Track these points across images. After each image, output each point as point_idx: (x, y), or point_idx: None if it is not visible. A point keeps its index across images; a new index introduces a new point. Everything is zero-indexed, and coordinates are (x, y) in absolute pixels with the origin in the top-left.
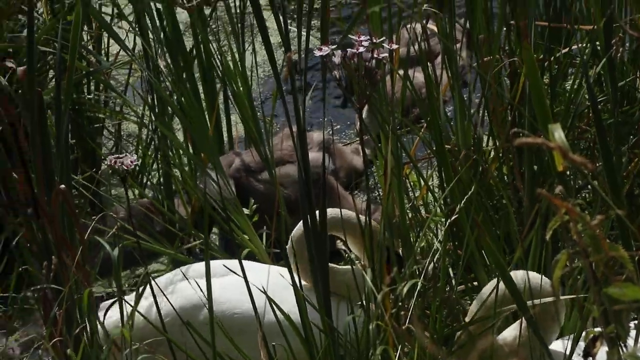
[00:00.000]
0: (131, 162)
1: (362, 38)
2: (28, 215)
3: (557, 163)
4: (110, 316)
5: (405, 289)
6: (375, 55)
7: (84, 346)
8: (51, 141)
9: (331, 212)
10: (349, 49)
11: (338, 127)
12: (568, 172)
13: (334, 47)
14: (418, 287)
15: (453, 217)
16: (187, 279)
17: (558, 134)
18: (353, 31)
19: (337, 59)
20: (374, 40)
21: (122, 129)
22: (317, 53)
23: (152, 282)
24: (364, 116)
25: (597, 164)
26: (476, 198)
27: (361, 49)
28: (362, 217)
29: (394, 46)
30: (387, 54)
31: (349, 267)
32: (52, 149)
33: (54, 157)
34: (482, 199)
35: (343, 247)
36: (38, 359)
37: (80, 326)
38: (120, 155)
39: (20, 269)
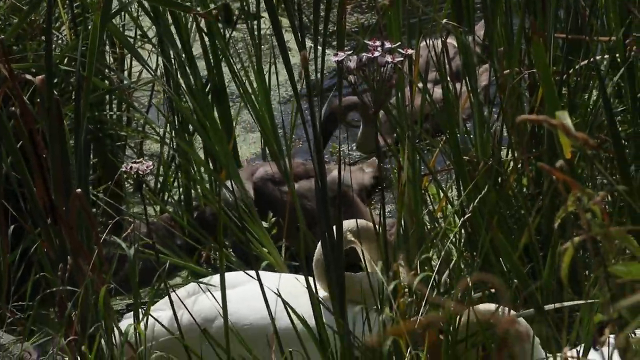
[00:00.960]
0: (147, 167)
1: (378, 43)
2: (46, 225)
3: (565, 149)
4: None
5: (416, 280)
6: (390, 60)
7: (98, 344)
8: (69, 150)
9: (347, 223)
10: (364, 54)
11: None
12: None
13: (349, 52)
14: (431, 281)
15: (467, 216)
16: (202, 291)
17: (564, 117)
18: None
19: (352, 64)
20: (390, 45)
21: (145, 149)
22: (333, 59)
23: (171, 294)
24: (358, 136)
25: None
26: (494, 206)
27: (376, 54)
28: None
29: (410, 51)
30: (402, 59)
31: (364, 273)
32: (70, 157)
33: (73, 167)
34: (501, 209)
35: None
36: None
37: (95, 324)
38: (136, 161)
39: (37, 276)
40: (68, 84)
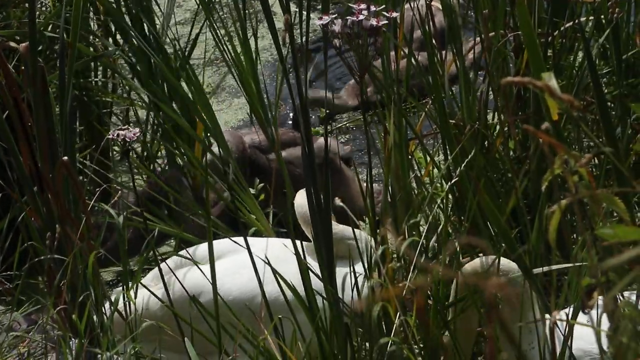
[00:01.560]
0: (134, 134)
1: (362, 6)
2: (33, 193)
3: (552, 111)
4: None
5: (404, 245)
6: (375, 23)
7: (88, 312)
8: (55, 117)
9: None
10: (349, 17)
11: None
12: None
13: (334, 16)
14: (419, 246)
15: (454, 180)
16: (189, 263)
17: (549, 79)
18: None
19: (337, 27)
20: (374, 9)
21: (130, 116)
22: (318, 22)
23: (160, 265)
24: (310, 96)
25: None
26: (481, 169)
27: (361, 17)
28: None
29: (394, 14)
30: (387, 22)
31: (348, 227)
32: (56, 125)
33: (59, 135)
34: (488, 173)
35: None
36: (43, 330)
37: (84, 293)
38: (123, 128)
39: (24, 245)
40: (53, 51)
